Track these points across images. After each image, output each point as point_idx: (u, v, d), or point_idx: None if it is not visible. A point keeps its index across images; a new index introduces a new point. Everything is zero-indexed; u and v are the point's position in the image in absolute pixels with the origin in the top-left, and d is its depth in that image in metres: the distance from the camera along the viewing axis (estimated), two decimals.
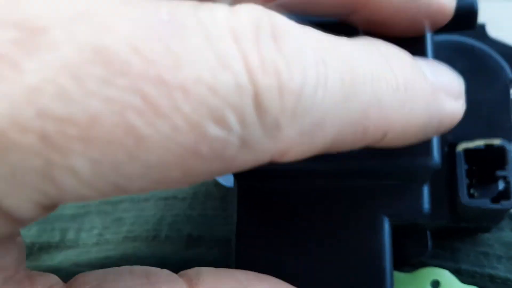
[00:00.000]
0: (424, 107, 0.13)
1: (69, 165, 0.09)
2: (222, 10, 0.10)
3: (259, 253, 0.16)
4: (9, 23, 0.09)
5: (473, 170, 0.17)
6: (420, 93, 0.13)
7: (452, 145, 0.17)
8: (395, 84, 0.12)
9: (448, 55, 0.19)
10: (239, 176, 0.17)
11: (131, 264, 0.21)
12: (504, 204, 0.16)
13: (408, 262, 0.19)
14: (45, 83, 0.09)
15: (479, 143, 0.17)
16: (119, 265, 0.21)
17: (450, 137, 0.17)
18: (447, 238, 0.20)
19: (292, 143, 0.11)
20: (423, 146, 0.15)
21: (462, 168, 0.16)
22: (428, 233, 0.18)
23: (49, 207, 0.10)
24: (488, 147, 0.16)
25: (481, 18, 0.25)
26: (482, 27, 0.20)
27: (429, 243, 0.18)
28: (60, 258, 0.22)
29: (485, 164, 0.17)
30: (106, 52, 0.09)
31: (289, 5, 0.13)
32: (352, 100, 0.11)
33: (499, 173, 0.16)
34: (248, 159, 0.11)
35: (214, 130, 0.10)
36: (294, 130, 0.11)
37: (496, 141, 0.16)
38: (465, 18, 0.20)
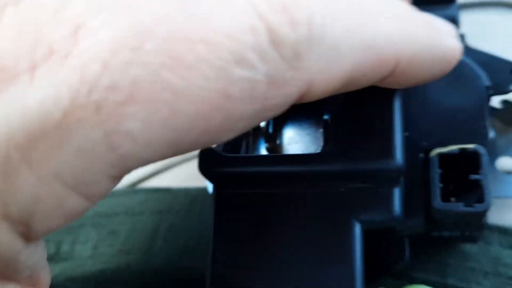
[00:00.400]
0: (427, 36, 0.14)
1: (124, 129, 0.10)
2: None
3: (235, 257, 0.17)
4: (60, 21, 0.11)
5: (448, 176, 0.17)
6: (421, 24, 0.14)
7: (428, 152, 0.17)
8: (397, 14, 0.14)
9: None
10: (216, 183, 0.17)
11: (125, 277, 0.21)
12: (478, 207, 0.15)
13: (387, 271, 0.19)
14: (91, 62, 0.10)
15: (453, 148, 0.17)
16: (113, 278, 0.22)
17: (426, 144, 0.18)
18: (431, 249, 0.20)
19: (314, 71, 0.12)
20: (386, 148, 0.15)
21: (435, 172, 0.16)
22: (407, 241, 0.18)
23: (116, 178, 0.11)
24: (462, 151, 0.16)
25: (469, 29, 0.26)
26: (462, 36, 0.21)
27: (407, 251, 0.17)
28: (55, 271, 0.22)
29: (460, 170, 0.16)
30: (134, 26, 0.11)
31: None
32: (361, 28, 0.12)
33: (473, 176, 0.16)
34: (279, 96, 0.12)
35: (239, 72, 0.11)
36: (313, 57, 0.12)
37: (470, 146, 0.16)
38: None
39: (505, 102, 0.20)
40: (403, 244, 0.17)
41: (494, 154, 0.21)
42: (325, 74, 0.12)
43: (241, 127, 0.12)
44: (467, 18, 0.29)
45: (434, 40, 0.14)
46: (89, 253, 0.23)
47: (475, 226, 0.17)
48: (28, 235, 0.11)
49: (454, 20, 0.21)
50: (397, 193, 0.16)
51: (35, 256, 0.12)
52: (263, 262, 0.16)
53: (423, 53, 0.14)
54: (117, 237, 0.23)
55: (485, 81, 0.19)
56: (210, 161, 0.17)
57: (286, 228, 0.16)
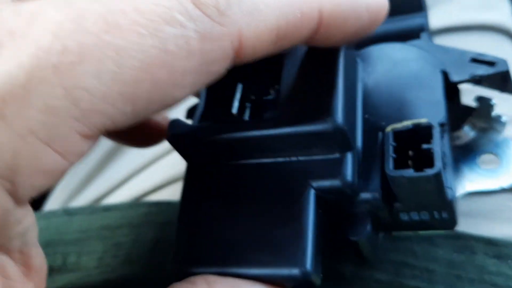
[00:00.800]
0: None
1: (80, 85, 0.12)
2: None
3: (200, 223, 0.18)
4: None
5: (405, 153, 0.17)
6: None
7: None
8: None
9: (384, 58, 0.21)
10: (182, 152, 0.19)
11: (129, 287, 0.22)
12: (427, 171, 0.16)
13: (357, 253, 0.19)
14: (43, 34, 0.13)
15: (407, 123, 0.17)
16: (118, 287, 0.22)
17: (384, 124, 0.18)
18: (419, 257, 0.20)
19: (240, 26, 0.14)
20: (327, 109, 0.16)
21: (389, 144, 0.17)
22: (369, 218, 0.18)
23: (88, 136, 0.13)
24: (416, 126, 0.17)
25: None
26: (426, 35, 0.21)
27: (368, 225, 0.18)
28: (63, 281, 0.23)
29: (416, 146, 0.17)
30: (75, 7, 0.13)
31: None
32: None
33: (425, 146, 0.16)
34: (214, 49, 0.14)
35: (170, 29, 0.13)
36: (236, 14, 0.14)
37: (424, 120, 0.17)
38: (416, 35, 0.21)
39: (479, 98, 0.21)
40: (365, 220, 0.18)
41: (476, 152, 0.21)
42: (251, 28, 0.14)
43: (189, 82, 0.14)
44: (451, 42, 0.30)
45: None
46: (95, 264, 0.23)
47: (435, 200, 0.17)
48: (15, 194, 0.13)
49: (423, 29, 0.22)
50: (349, 159, 0.17)
51: (25, 222, 0.13)
52: (227, 226, 0.17)
53: (346, 3, 0.16)
54: (121, 249, 0.23)
55: (440, 65, 0.20)
56: (176, 128, 0.18)
57: (249, 196, 0.17)
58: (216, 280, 0.16)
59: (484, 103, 0.21)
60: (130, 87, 0.13)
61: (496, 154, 0.21)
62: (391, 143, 0.17)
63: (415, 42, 0.21)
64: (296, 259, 0.16)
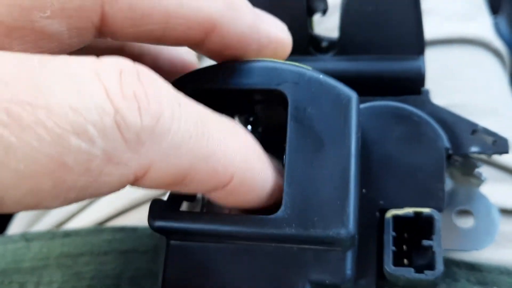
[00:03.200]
0: (261, 167, 0.16)
1: None
2: (88, 58, 0.12)
3: None
4: None
5: (402, 238, 0.17)
6: (258, 155, 0.16)
7: (384, 211, 0.17)
8: (242, 141, 0.15)
9: (385, 121, 0.19)
10: (169, 234, 0.17)
11: None
12: (428, 274, 0.15)
13: None
14: None
15: (408, 210, 0.17)
16: None
17: (382, 203, 0.18)
18: None
19: (153, 159, 0.13)
20: (339, 216, 0.15)
21: (389, 235, 0.16)
22: None
23: None
24: (418, 215, 0.16)
25: (435, 66, 0.26)
26: (426, 92, 0.20)
27: None
28: None
29: (415, 232, 0.17)
30: None
31: (143, 37, 0.15)
32: (205, 140, 0.14)
33: (425, 242, 0.16)
34: (114, 173, 0.12)
35: (76, 142, 0.11)
36: (155, 147, 0.13)
37: (426, 210, 0.16)
38: (412, 82, 0.20)
39: (465, 157, 0.20)
40: None
41: (452, 205, 0.21)
42: (162, 165, 0.13)
43: (71, 197, 0.12)
44: (433, 55, 0.29)
45: (265, 173, 0.16)
46: None
47: None
48: None
49: (420, 72, 0.21)
50: (349, 256, 0.16)
51: None
52: None
53: (255, 179, 0.15)
54: (82, 279, 0.22)
55: (445, 142, 0.19)
56: (159, 214, 0.16)
57: (235, 283, 0.16)
58: None
59: (470, 164, 0.20)
60: (4, 189, 0.11)
61: (471, 212, 0.21)
62: (391, 234, 0.16)
63: (416, 98, 0.20)
64: None
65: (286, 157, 0.16)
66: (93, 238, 0.23)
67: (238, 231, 0.16)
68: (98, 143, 0.12)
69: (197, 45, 0.17)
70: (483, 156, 0.20)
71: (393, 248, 0.16)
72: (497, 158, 0.25)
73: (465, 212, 0.21)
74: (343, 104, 0.16)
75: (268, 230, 0.16)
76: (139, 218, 0.26)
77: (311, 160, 0.16)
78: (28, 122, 0.11)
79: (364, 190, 0.18)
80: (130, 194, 0.27)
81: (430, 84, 0.21)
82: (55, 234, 0.24)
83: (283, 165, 0.17)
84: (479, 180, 0.21)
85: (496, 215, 0.20)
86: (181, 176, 0.14)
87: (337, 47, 0.21)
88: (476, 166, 0.20)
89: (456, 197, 0.21)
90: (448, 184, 0.21)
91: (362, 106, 0.19)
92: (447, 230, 0.20)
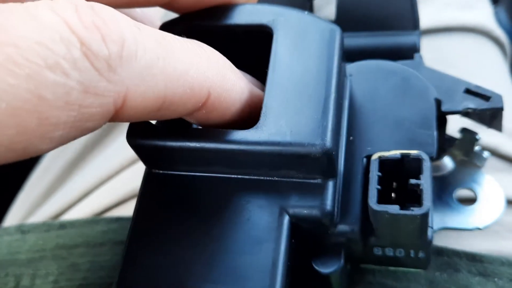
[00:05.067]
0: (233, 78, 0.16)
1: None
2: (42, 0, 0.13)
3: (152, 243, 0.16)
4: None
5: (390, 186, 0.16)
6: (230, 68, 0.16)
7: (370, 157, 0.17)
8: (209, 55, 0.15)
9: (374, 76, 0.19)
10: (147, 162, 0.17)
11: None
12: (415, 210, 0.14)
13: (325, 281, 0.17)
14: None
15: (395, 152, 0.16)
16: None
17: (369, 149, 0.17)
18: (399, 279, 0.19)
19: (128, 86, 0.13)
20: (317, 129, 0.15)
21: (374, 173, 0.16)
22: (344, 251, 0.17)
23: None
24: (405, 157, 0.16)
25: (432, 55, 0.26)
26: (419, 57, 0.21)
27: (342, 259, 0.16)
28: None
29: (403, 178, 0.16)
30: None
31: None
32: (174, 60, 0.14)
33: (413, 181, 0.15)
34: (94, 104, 0.12)
35: (51, 76, 0.12)
36: (127, 73, 0.13)
37: (413, 152, 0.16)
38: (407, 56, 0.20)
39: (464, 130, 0.20)
40: (338, 252, 0.16)
41: (453, 185, 0.20)
42: (139, 91, 0.13)
43: (58, 135, 0.12)
44: (432, 43, 0.29)
45: (240, 83, 0.16)
46: (50, 287, 0.22)
47: (415, 239, 0.16)
48: None
49: (415, 46, 0.21)
50: (330, 189, 0.15)
51: None
52: (183, 244, 0.15)
53: (232, 91, 0.16)
54: (78, 271, 0.22)
55: (435, 93, 0.18)
56: (138, 131, 0.16)
57: (210, 218, 0.16)
58: None
59: (468, 136, 0.20)
60: None
61: (473, 190, 0.20)
62: (376, 173, 0.16)
63: (408, 62, 0.20)
64: None
65: (268, 74, 0.16)
66: (88, 229, 0.23)
67: (217, 146, 0.15)
68: (72, 75, 0.12)
69: (169, 3, 0.17)
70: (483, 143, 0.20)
71: (378, 186, 0.15)
72: (499, 147, 0.25)
73: (466, 192, 0.20)
74: (327, 36, 0.17)
75: (244, 141, 0.15)
76: None
77: (293, 78, 0.16)
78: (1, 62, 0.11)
79: (351, 138, 0.17)
80: (127, 185, 0.26)
81: None
82: (51, 226, 0.24)
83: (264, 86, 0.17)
84: (481, 158, 0.20)
85: (501, 194, 0.20)
86: (159, 100, 0.14)
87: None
88: (475, 140, 0.20)
89: (458, 177, 0.20)
90: (450, 165, 0.21)
91: (352, 64, 0.20)
92: (448, 208, 0.20)
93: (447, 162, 0.21)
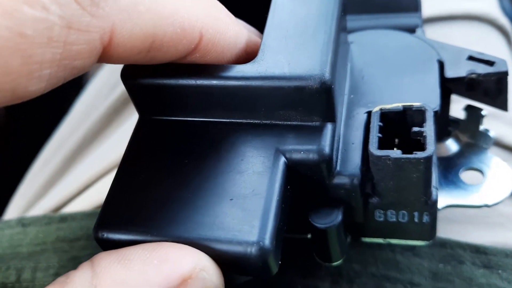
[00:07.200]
0: (228, 21, 0.16)
1: None
2: None
3: (137, 183, 0.15)
4: None
5: (391, 137, 0.15)
6: (224, 12, 0.16)
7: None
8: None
9: (376, 41, 0.19)
10: (141, 106, 0.16)
11: None
12: (419, 154, 0.14)
13: (322, 237, 0.16)
14: None
15: (397, 105, 0.15)
16: None
17: (370, 105, 0.17)
18: (401, 269, 0.19)
19: (114, 21, 0.13)
20: (315, 60, 0.14)
21: (375, 124, 0.15)
22: (342, 208, 0.16)
23: None
24: (407, 109, 0.15)
25: None
26: (421, 31, 0.21)
27: (340, 215, 0.16)
28: None
29: (405, 131, 0.15)
30: None
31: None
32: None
33: (415, 129, 0.15)
34: (80, 41, 0.12)
35: (30, 11, 0.11)
36: (111, 8, 0.12)
37: (416, 104, 0.15)
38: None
39: (469, 107, 0.20)
40: (337, 208, 0.16)
41: (459, 166, 0.20)
42: (126, 28, 0.13)
43: (47, 74, 0.12)
44: (436, 31, 0.28)
45: (234, 26, 0.16)
46: (51, 280, 0.22)
47: (420, 194, 0.15)
48: None
49: (417, 27, 0.21)
50: (329, 129, 0.15)
51: None
52: (163, 194, 0.15)
53: (226, 34, 0.15)
54: (79, 264, 0.22)
55: (437, 55, 0.18)
56: (133, 71, 0.16)
57: (200, 159, 0.15)
58: (103, 257, 0.14)
59: (474, 113, 0.20)
60: None
61: (480, 171, 0.20)
62: (377, 123, 0.15)
63: (411, 35, 0.20)
64: (253, 233, 0.13)
65: (268, 19, 0.16)
66: (89, 222, 0.23)
67: (212, 82, 0.15)
68: (52, 9, 0.11)
69: None
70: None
71: (379, 134, 0.15)
72: (502, 138, 0.25)
73: (473, 173, 0.20)
74: None
75: (241, 76, 0.15)
76: None
77: (293, 21, 0.16)
78: None
79: (352, 96, 0.17)
80: None
81: None
82: (52, 219, 0.24)
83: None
84: (487, 138, 0.20)
85: (510, 173, 0.19)
86: (148, 39, 0.13)
87: None
88: (481, 116, 0.19)
89: (464, 157, 0.20)
90: (454, 147, 0.20)
91: (353, 33, 0.19)
92: (455, 187, 0.19)
93: (453, 147, 0.21)
